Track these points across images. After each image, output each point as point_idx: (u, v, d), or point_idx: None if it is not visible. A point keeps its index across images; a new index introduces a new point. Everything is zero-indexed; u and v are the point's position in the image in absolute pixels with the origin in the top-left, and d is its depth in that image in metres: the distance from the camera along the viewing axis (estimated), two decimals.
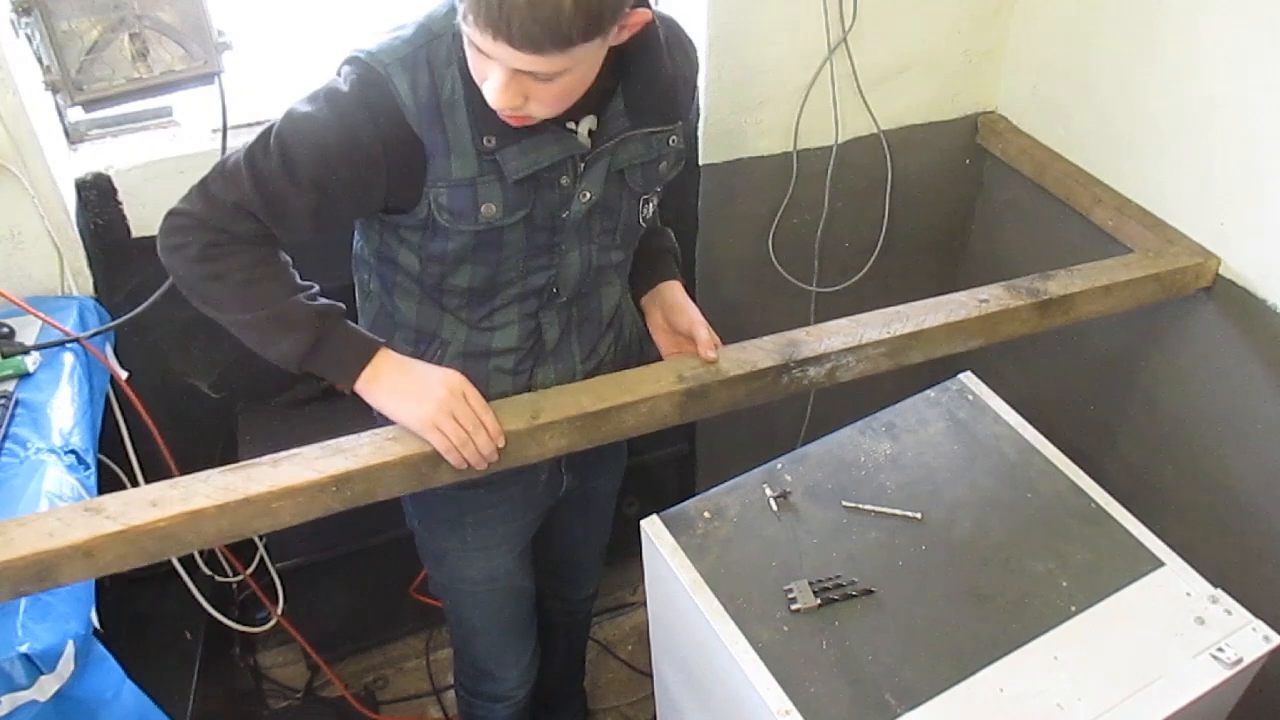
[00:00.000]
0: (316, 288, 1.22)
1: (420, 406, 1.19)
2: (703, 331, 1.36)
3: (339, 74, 1.14)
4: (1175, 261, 1.67)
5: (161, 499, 1.08)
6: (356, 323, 1.30)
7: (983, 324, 1.53)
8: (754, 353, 1.39)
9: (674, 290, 1.42)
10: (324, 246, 1.32)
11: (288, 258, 1.23)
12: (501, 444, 1.21)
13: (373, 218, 1.24)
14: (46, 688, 1.00)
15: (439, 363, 1.29)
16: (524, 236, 1.21)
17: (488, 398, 1.27)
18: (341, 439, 1.20)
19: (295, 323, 1.17)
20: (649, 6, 1.11)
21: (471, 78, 1.08)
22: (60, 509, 1.08)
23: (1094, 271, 1.64)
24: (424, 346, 1.31)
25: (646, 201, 1.30)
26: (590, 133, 1.19)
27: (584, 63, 1.03)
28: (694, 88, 1.34)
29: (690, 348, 1.38)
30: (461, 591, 1.59)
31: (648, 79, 1.19)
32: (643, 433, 1.34)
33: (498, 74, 1.01)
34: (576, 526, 1.75)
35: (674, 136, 1.26)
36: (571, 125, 1.18)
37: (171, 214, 1.17)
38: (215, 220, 1.14)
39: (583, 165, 1.19)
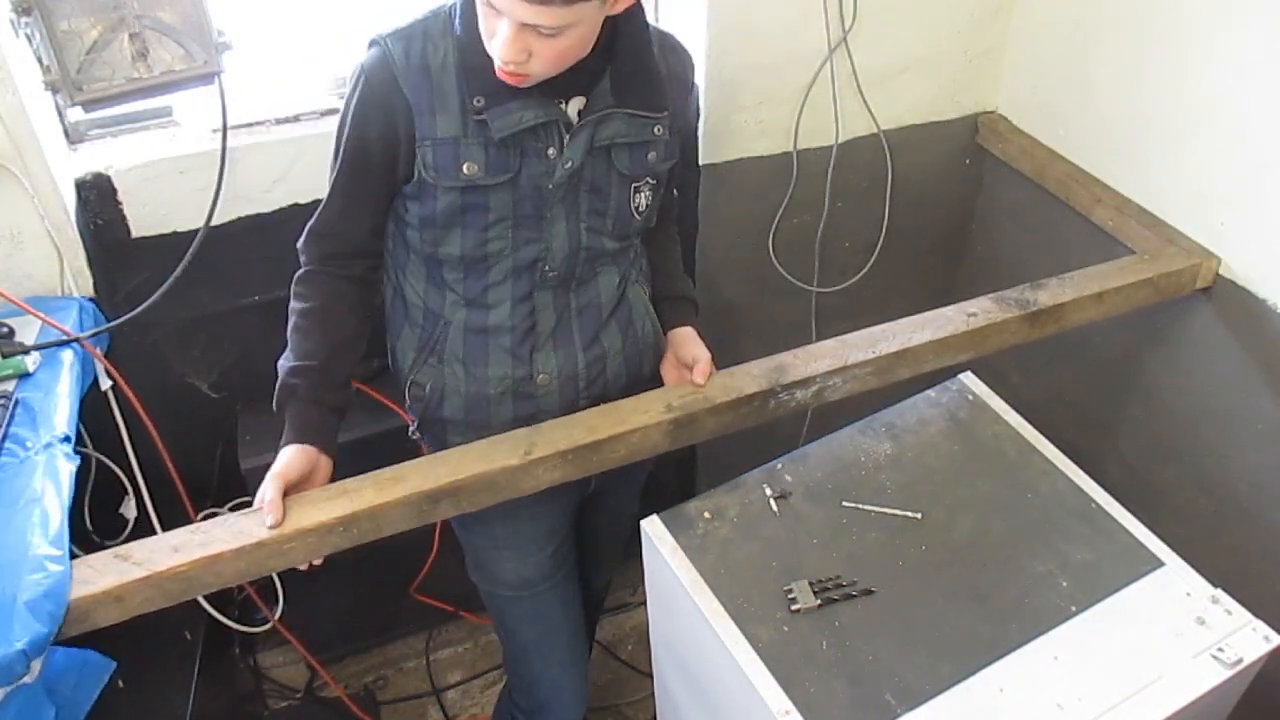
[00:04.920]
0: (319, 361, 1.31)
1: None
2: (702, 361, 1.45)
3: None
4: (1169, 264, 1.66)
5: (183, 544, 1.15)
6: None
7: (971, 338, 1.53)
8: (742, 379, 1.44)
9: (686, 333, 1.54)
10: None
11: (340, 315, 1.35)
12: (271, 521, 1.21)
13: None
14: (34, 670, 1.09)
15: (444, 342, 1.39)
16: (510, 203, 1.29)
17: (489, 377, 1.40)
18: (346, 481, 1.26)
19: (278, 384, 1.31)
20: None
21: (466, 47, 1.22)
22: (90, 558, 1.16)
23: (1086, 279, 1.63)
24: (430, 326, 1.40)
25: (638, 190, 1.37)
26: (579, 113, 1.29)
27: (584, 23, 1.14)
28: (689, 91, 1.43)
29: (689, 377, 1.45)
30: (505, 599, 1.61)
31: (634, 66, 1.29)
32: (634, 460, 1.40)
33: (506, 28, 1.12)
34: (601, 517, 1.75)
35: (659, 126, 1.34)
36: (560, 103, 1.27)
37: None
38: (304, 250, 1.35)
39: (567, 136, 1.28)
